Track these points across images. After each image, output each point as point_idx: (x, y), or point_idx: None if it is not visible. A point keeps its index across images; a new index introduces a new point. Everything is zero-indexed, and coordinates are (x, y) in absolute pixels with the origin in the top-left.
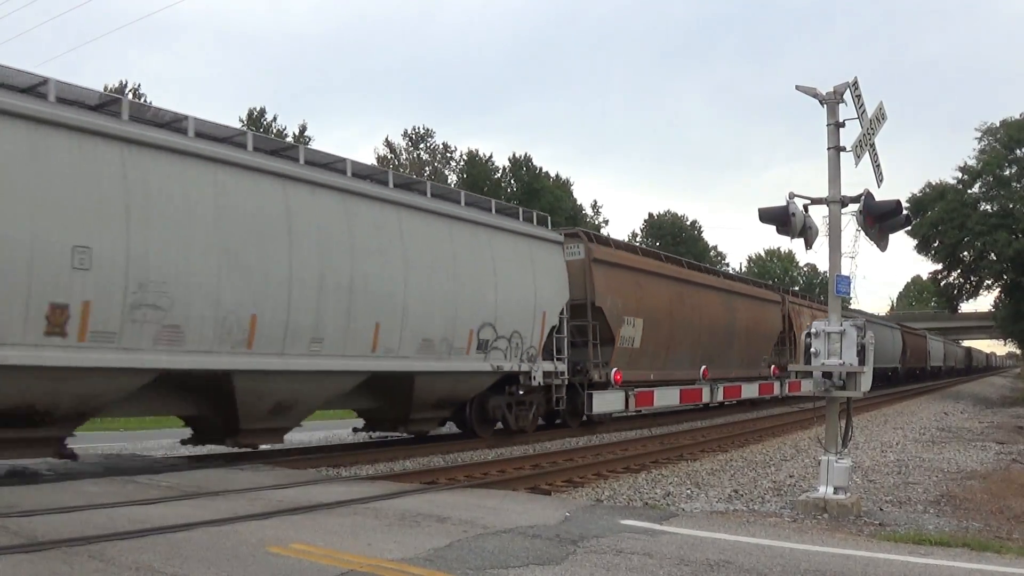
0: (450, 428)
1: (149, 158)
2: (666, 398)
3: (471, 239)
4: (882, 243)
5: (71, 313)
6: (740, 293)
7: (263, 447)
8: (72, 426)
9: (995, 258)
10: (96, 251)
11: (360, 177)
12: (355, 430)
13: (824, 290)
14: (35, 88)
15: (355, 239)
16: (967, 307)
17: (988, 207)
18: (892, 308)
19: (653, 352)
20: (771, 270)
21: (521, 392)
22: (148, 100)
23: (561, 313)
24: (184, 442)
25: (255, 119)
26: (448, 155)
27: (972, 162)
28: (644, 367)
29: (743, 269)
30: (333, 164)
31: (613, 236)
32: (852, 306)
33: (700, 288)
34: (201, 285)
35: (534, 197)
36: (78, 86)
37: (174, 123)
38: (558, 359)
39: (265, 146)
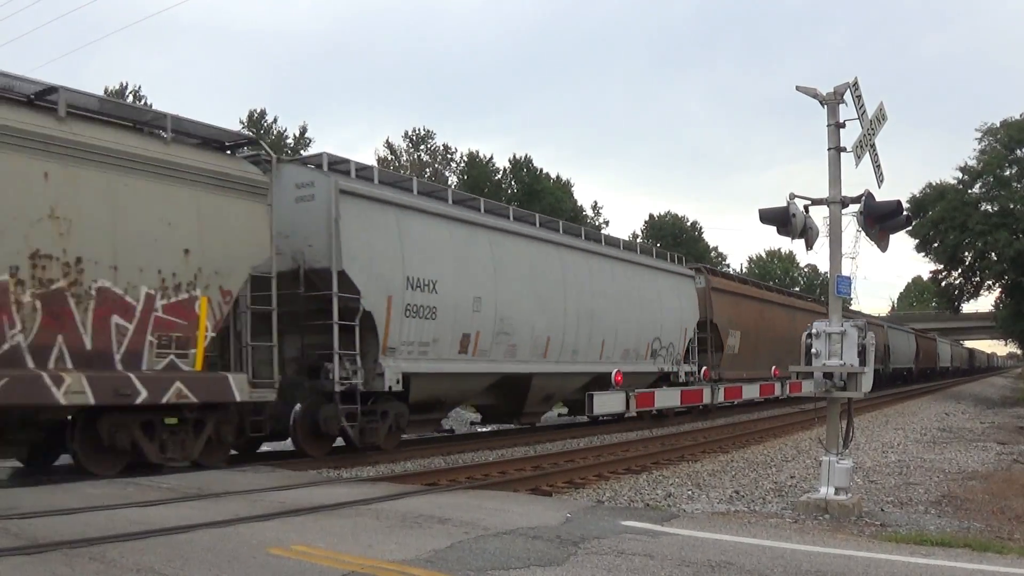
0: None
1: (500, 238)
2: (667, 399)
3: (646, 278)
4: (883, 244)
5: (470, 339)
6: (798, 308)
7: (265, 448)
8: (447, 411)
9: (996, 258)
10: (483, 299)
11: (589, 239)
12: None
13: (826, 291)
14: (435, 193)
15: (592, 284)
16: (968, 307)
17: (989, 207)
18: (893, 308)
19: (745, 356)
20: (772, 271)
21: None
22: (149, 102)
23: (694, 328)
24: (472, 423)
25: (255, 120)
26: (448, 156)
27: (972, 162)
28: (739, 368)
29: (744, 270)
30: (574, 230)
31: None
32: (853, 307)
33: (773, 305)
34: (526, 319)
35: (535, 198)
36: (463, 193)
37: (500, 210)
38: (691, 362)
39: (542, 221)
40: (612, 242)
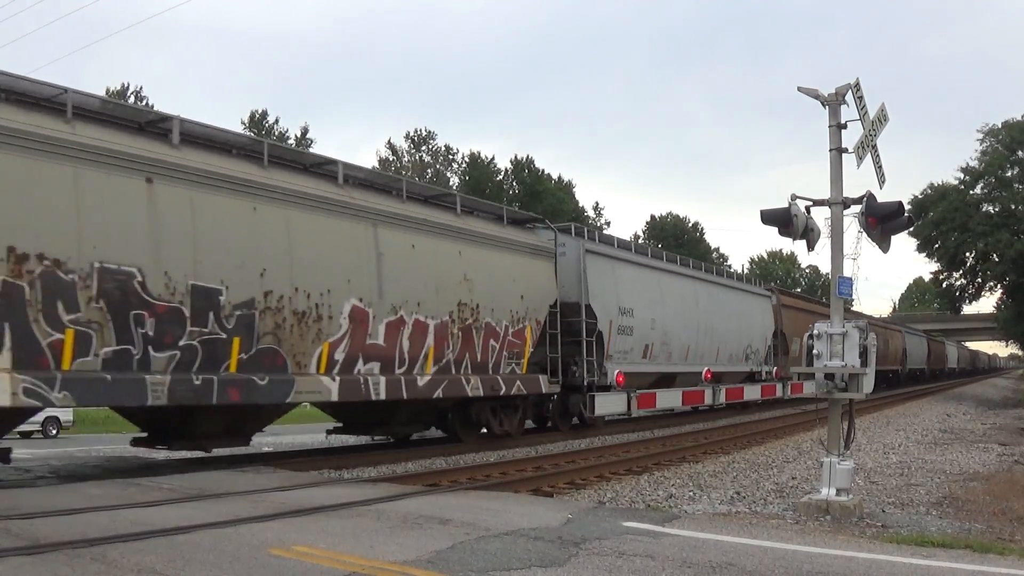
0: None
1: (662, 275)
2: (668, 400)
3: (742, 299)
4: (884, 244)
5: (649, 348)
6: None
7: (266, 449)
8: None
9: (997, 259)
10: (655, 320)
11: (708, 271)
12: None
13: (828, 293)
14: (624, 245)
15: (711, 306)
16: (970, 308)
17: (990, 208)
18: (894, 309)
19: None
20: (773, 272)
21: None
22: (151, 102)
23: (771, 336)
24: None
25: (257, 121)
26: (450, 157)
27: (974, 163)
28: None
29: (745, 271)
30: (697, 265)
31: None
32: (855, 308)
33: (823, 316)
34: (677, 333)
35: (536, 199)
36: (640, 244)
37: (658, 254)
38: (770, 364)
39: (680, 260)
40: (720, 272)
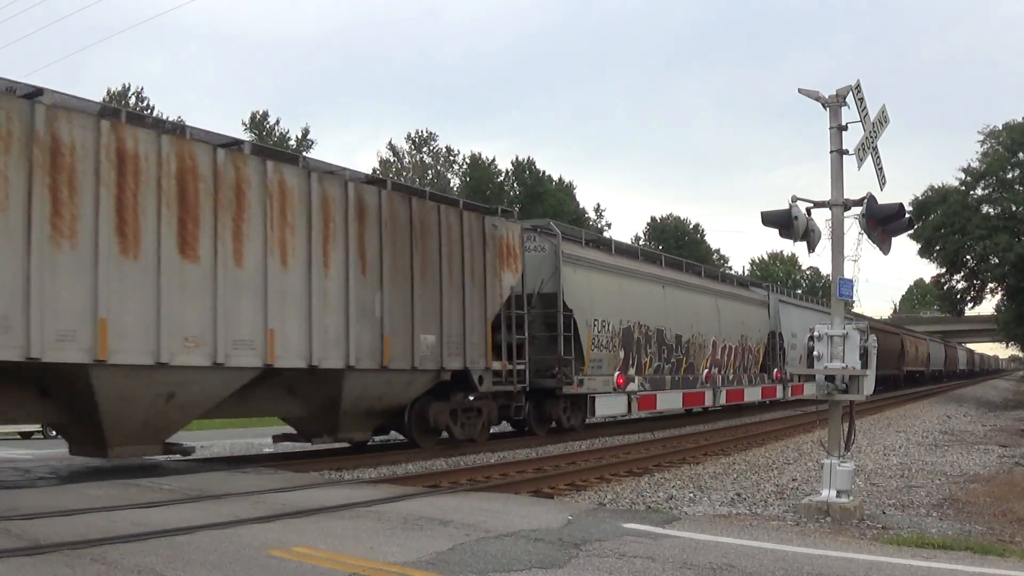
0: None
1: (806, 311)
2: (669, 402)
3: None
4: (885, 246)
5: (800, 357)
6: (895, 333)
7: (267, 450)
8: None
9: (997, 261)
10: (804, 339)
11: (816, 301)
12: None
13: (829, 294)
14: (792, 293)
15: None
16: (971, 310)
17: (990, 210)
18: (895, 311)
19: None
20: (774, 273)
21: None
22: (151, 103)
23: None
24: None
25: (258, 123)
26: (451, 158)
27: (975, 164)
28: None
29: (746, 272)
30: (818, 301)
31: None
32: (856, 309)
33: (890, 334)
34: (798, 342)
35: (537, 200)
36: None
37: (795, 295)
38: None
39: (814, 299)
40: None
